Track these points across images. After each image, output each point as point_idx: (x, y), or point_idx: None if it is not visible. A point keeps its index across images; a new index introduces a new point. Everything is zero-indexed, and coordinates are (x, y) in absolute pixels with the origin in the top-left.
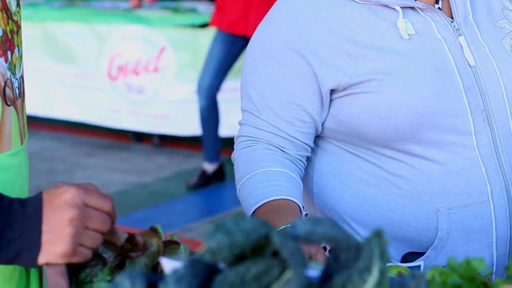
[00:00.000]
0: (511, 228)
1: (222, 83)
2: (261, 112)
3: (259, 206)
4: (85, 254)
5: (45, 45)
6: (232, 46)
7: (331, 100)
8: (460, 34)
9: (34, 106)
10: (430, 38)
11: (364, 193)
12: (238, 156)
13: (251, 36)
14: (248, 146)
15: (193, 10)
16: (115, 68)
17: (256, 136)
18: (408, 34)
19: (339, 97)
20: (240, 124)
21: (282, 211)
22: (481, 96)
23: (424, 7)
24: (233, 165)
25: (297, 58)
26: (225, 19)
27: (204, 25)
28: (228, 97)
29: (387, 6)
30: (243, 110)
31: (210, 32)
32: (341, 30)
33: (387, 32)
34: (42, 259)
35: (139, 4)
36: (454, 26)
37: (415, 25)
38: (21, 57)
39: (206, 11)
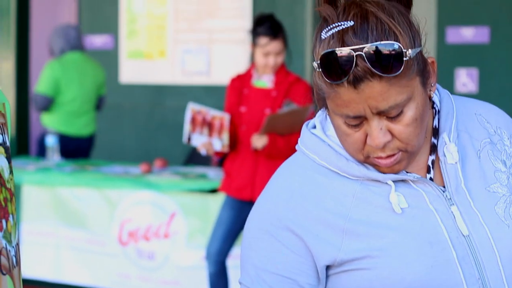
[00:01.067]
0: None
1: (231, 249)
2: (256, 285)
3: None
4: None
5: (55, 210)
6: (240, 211)
7: (327, 276)
8: (453, 204)
9: (44, 271)
10: (422, 211)
11: None
12: None
13: None
14: None
15: (203, 176)
16: (125, 233)
17: None
18: (401, 208)
19: (335, 273)
20: None
21: None
22: (475, 265)
23: (415, 179)
24: None
25: (292, 235)
26: (232, 185)
27: (213, 191)
28: (238, 263)
29: (379, 180)
30: (240, 283)
31: (220, 198)
32: (335, 207)
33: (380, 206)
34: None
35: (150, 169)
36: (446, 196)
37: (407, 198)
38: (15, 224)
39: (216, 176)
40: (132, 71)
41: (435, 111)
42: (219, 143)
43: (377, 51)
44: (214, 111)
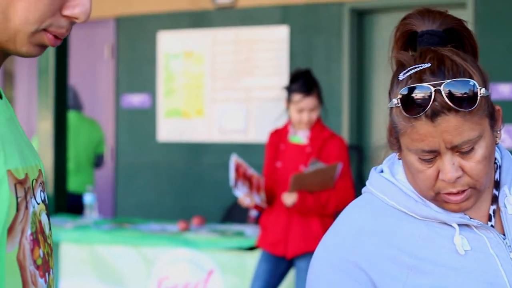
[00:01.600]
0: None
1: None
2: None
3: None
4: None
5: (93, 267)
6: (276, 266)
7: None
8: None
9: None
10: (484, 255)
11: None
12: None
13: (290, 257)
14: None
15: (240, 233)
16: None
17: None
18: (464, 250)
19: None
20: None
21: None
22: None
23: (478, 225)
24: None
25: (359, 269)
26: (267, 239)
27: (251, 248)
28: None
29: (444, 223)
30: None
31: (258, 255)
32: (402, 245)
33: (444, 247)
34: None
35: (187, 227)
36: (506, 243)
37: (470, 241)
38: (54, 279)
39: (253, 234)
40: (169, 130)
41: (497, 166)
42: (259, 198)
43: (454, 87)
44: (252, 170)
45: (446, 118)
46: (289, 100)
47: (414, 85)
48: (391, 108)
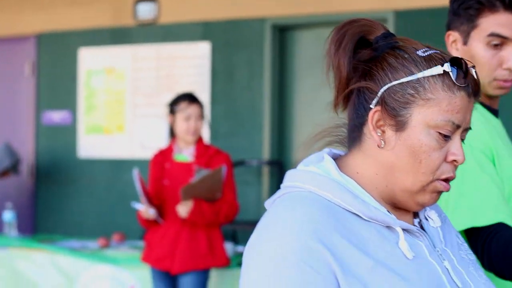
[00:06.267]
0: None
1: None
2: None
3: None
4: None
5: (14, 284)
6: (164, 283)
7: None
8: (444, 259)
9: None
10: (425, 261)
11: None
12: None
13: (175, 273)
14: None
15: None
16: None
17: None
18: (411, 255)
19: None
20: None
21: None
22: None
23: (417, 231)
24: None
25: (327, 266)
26: (152, 255)
27: None
28: None
29: (389, 226)
30: None
31: None
32: (360, 244)
33: (392, 251)
34: None
35: (107, 244)
36: (438, 251)
37: (411, 247)
38: None
39: None
40: (90, 146)
41: None
42: (155, 213)
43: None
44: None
45: (474, 100)
46: (174, 112)
47: (462, 57)
48: (417, 78)
